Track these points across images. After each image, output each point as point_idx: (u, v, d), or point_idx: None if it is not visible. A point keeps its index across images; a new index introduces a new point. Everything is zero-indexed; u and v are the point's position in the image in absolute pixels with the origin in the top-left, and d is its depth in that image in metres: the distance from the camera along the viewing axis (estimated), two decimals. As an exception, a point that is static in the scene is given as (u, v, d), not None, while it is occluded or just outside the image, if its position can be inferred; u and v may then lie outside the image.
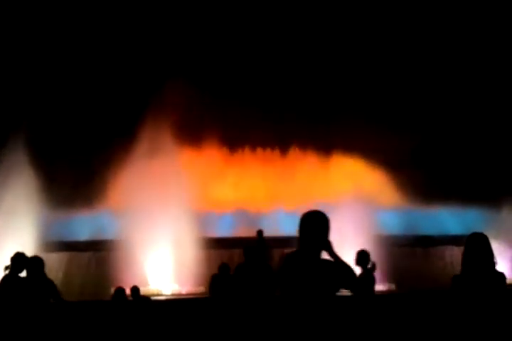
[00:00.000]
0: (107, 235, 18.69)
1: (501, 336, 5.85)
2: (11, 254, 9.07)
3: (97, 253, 18.45)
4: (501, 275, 6.16)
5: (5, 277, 8.90)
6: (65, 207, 20.37)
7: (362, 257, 10.24)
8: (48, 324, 8.62)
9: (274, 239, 19.50)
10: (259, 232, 16.84)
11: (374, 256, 17.04)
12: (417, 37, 29.48)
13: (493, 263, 6.13)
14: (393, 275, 17.37)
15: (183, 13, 29.13)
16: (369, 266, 10.21)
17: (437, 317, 9.96)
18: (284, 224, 21.66)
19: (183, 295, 17.17)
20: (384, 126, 25.83)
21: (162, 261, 18.10)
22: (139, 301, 12.45)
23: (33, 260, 9.01)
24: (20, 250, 9.31)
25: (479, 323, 5.88)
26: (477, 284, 6.02)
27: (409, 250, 19.06)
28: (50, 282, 9.06)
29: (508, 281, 6.25)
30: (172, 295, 17.30)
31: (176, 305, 15.15)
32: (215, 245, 18.50)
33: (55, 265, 17.96)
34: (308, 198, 22.42)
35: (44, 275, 8.99)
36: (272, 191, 25.30)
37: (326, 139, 26.70)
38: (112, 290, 16.21)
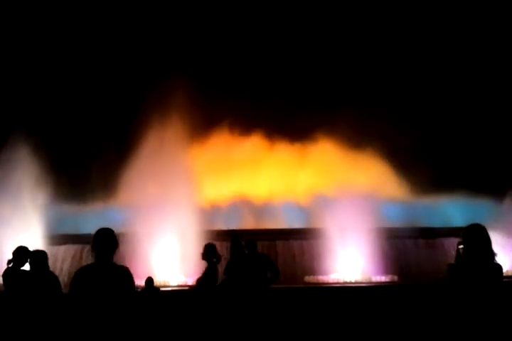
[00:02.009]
0: (115, 228, 18.87)
1: (496, 328, 5.90)
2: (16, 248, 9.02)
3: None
4: (498, 266, 6.13)
5: (7, 270, 8.89)
6: (74, 202, 20.60)
7: (209, 251, 10.19)
8: (50, 317, 8.44)
9: (278, 231, 19.78)
10: (233, 233, 15.42)
11: (377, 248, 17.29)
12: (423, 29, 29.41)
13: (491, 255, 6.10)
14: (396, 266, 17.53)
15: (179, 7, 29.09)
16: (214, 260, 10.15)
17: (436, 308, 10.18)
18: (288, 217, 21.91)
19: (189, 286, 17.40)
20: (388, 118, 25.87)
21: (168, 253, 18.35)
22: (152, 291, 12.82)
23: (36, 253, 8.86)
24: (27, 243, 9.29)
25: (475, 315, 5.94)
26: (473, 275, 6.04)
27: (411, 242, 19.23)
28: (53, 275, 8.93)
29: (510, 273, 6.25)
30: (178, 286, 17.56)
31: (182, 296, 15.36)
32: (220, 237, 18.67)
33: (63, 257, 18.27)
34: (312, 191, 22.65)
35: (47, 268, 8.87)
36: (276, 184, 25.46)
37: (330, 132, 26.73)
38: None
